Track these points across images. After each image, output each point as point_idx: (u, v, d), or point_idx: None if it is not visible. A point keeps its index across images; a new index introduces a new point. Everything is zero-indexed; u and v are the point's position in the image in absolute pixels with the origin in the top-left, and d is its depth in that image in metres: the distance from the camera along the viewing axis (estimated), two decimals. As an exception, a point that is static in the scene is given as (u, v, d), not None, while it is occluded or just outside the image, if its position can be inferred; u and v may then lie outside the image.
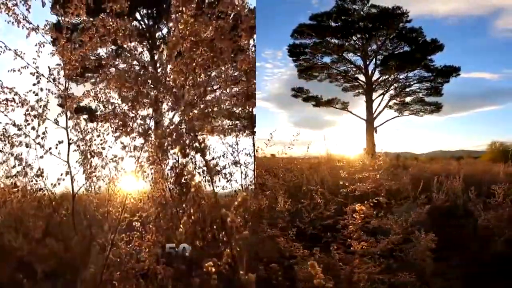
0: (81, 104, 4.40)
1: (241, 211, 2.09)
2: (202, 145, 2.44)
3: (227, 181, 4.71)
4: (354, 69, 22.60)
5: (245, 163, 4.70)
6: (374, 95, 22.45)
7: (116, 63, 4.70)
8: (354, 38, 21.39)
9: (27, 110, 3.72)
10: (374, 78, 22.33)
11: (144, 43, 10.44)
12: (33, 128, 3.75)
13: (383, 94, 22.44)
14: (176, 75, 3.03)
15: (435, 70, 21.01)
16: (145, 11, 10.48)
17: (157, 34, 10.72)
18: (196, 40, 3.31)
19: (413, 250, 3.78)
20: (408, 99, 22.17)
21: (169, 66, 3.22)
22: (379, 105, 22.49)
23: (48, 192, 3.65)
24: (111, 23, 3.97)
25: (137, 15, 10.42)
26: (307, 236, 4.18)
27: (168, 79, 3.29)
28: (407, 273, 3.33)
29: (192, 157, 3.56)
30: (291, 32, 22.34)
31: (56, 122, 4.09)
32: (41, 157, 3.67)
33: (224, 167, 4.78)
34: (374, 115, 22.27)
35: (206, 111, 3.58)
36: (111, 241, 2.78)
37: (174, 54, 3.16)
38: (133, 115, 3.46)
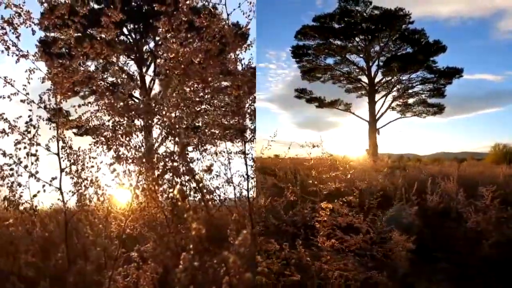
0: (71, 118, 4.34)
1: (242, 251, 2.08)
2: (200, 184, 2.44)
3: (221, 203, 4.69)
4: (357, 70, 22.60)
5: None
6: (377, 96, 22.47)
7: (105, 76, 4.67)
8: (357, 39, 21.40)
9: (18, 140, 3.65)
10: (377, 79, 22.35)
11: (132, 57, 10.38)
12: (24, 157, 3.68)
13: (386, 95, 22.40)
14: (171, 108, 3.04)
15: (438, 71, 21.04)
16: (132, 26, 10.44)
17: (144, 48, 10.70)
18: (186, 67, 3.31)
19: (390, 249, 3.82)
20: (410, 100, 22.19)
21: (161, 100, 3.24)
22: (381, 106, 22.48)
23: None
24: (100, 50, 3.96)
25: (124, 30, 10.38)
26: (281, 232, 4.23)
27: (162, 111, 3.28)
28: (380, 272, 3.35)
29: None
30: (294, 33, 22.36)
31: (48, 148, 4.02)
32: (35, 195, 3.57)
33: (218, 187, 4.75)
34: (377, 117, 22.27)
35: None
36: (109, 278, 2.73)
37: (168, 91, 3.17)
38: (126, 143, 3.43)
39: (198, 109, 3.73)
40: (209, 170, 2.50)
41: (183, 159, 2.79)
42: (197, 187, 2.53)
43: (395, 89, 22.53)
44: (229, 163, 4.76)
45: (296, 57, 22.97)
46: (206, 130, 3.64)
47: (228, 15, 4.10)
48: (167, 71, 3.22)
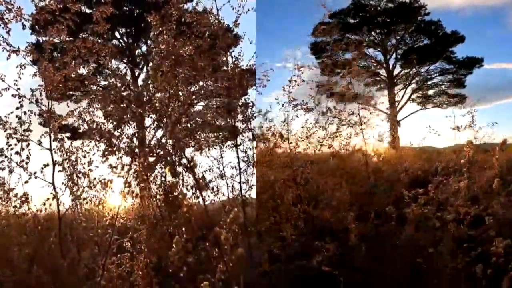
0: (64, 123, 4.35)
1: (234, 228, 2.09)
2: (192, 163, 2.45)
3: (215, 195, 4.70)
4: (375, 64, 22.77)
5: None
6: (396, 89, 22.58)
7: (98, 80, 4.69)
8: (373, 33, 21.57)
9: (9, 135, 3.64)
10: (395, 72, 22.52)
11: (125, 61, 10.39)
12: (16, 153, 3.67)
13: (405, 87, 22.52)
14: (160, 93, 3.05)
15: (457, 62, 21.11)
16: (124, 30, 10.50)
17: (136, 52, 10.74)
18: (177, 58, 3.34)
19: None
20: (430, 92, 22.32)
21: (151, 85, 3.25)
22: (401, 98, 22.61)
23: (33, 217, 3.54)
24: (92, 45, 3.98)
25: (116, 34, 10.44)
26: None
27: (153, 98, 3.30)
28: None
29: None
30: (311, 30, 22.48)
31: (40, 143, 4.01)
32: (26, 182, 3.58)
33: (211, 181, 4.77)
34: (397, 109, 22.35)
35: (190, 126, 3.60)
36: (103, 266, 2.72)
37: (158, 74, 3.19)
38: (119, 134, 3.43)
39: (191, 89, 3.76)
40: (200, 149, 2.51)
41: (174, 140, 2.80)
42: (189, 166, 2.54)
43: (414, 81, 22.51)
44: (222, 157, 4.76)
45: (315, 53, 23.16)
46: (198, 121, 3.67)
47: (218, 10, 4.15)
48: (159, 62, 3.25)
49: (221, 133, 4.78)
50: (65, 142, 4.02)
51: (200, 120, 4.36)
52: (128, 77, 10.23)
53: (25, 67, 3.99)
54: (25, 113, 3.71)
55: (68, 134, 5.11)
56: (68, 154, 3.95)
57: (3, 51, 3.91)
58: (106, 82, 4.50)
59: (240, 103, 4.19)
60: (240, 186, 4.71)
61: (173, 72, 3.18)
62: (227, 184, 4.76)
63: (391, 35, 21.55)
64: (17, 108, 3.68)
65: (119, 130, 3.33)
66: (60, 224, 3.43)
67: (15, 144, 3.83)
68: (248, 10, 4.32)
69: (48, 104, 3.85)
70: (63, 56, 4.04)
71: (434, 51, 20.91)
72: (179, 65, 3.27)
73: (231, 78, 3.70)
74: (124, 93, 3.37)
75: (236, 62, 4.05)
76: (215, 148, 4.57)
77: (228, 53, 4.10)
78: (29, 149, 3.66)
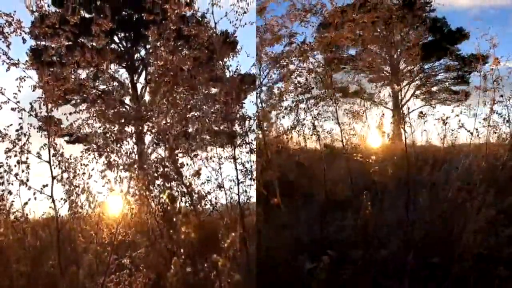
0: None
1: (231, 253, 2.11)
2: (189, 189, 2.48)
3: (213, 208, 4.71)
4: (379, 60, 22.75)
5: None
6: (400, 85, 22.65)
7: (97, 84, 4.71)
8: (378, 29, 21.58)
9: (8, 149, 3.65)
10: (400, 68, 22.60)
11: (123, 65, 10.38)
12: (15, 166, 3.68)
13: (409, 84, 22.54)
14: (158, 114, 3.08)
15: (462, 58, 21.09)
16: (122, 34, 10.51)
17: (135, 56, 10.76)
18: (175, 75, 3.36)
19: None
20: (434, 88, 22.32)
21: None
22: (405, 95, 22.65)
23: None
24: (91, 58, 3.99)
25: (115, 38, 10.45)
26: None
27: (152, 118, 3.32)
28: None
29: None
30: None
31: (39, 156, 4.02)
32: (25, 203, 3.57)
33: (209, 193, 4.78)
34: (401, 105, 22.34)
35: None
36: (101, 285, 2.74)
37: (157, 97, 3.22)
38: (118, 149, 3.45)
39: (188, 115, 3.79)
40: (197, 174, 2.53)
41: (173, 164, 2.83)
42: (187, 191, 2.57)
43: (418, 77, 22.54)
44: (220, 168, 4.78)
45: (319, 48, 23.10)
46: (197, 137, 3.69)
47: (215, 23, 4.17)
48: (157, 79, 3.27)
49: (218, 137, 4.78)
50: (63, 149, 4.03)
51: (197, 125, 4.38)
52: (127, 81, 10.23)
53: (24, 80, 3.99)
54: (21, 127, 3.70)
55: (66, 138, 5.10)
56: (67, 166, 3.96)
57: (2, 64, 3.91)
58: (105, 87, 4.51)
59: (238, 116, 4.21)
60: (238, 197, 4.73)
61: (172, 93, 3.21)
62: (226, 194, 4.77)
63: (395, 31, 21.69)
64: (20, 125, 3.66)
65: (118, 146, 3.36)
66: (58, 240, 3.43)
67: (15, 155, 3.83)
68: (246, 24, 4.36)
69: (48, 113, 3.83)
70: (62, 68, 4.05)
71: (438, 47, 20.96)
72: (177, 84, 3.30)
73: (229, 93, 3.73)
74: (122, 110, 3.39)
75: (234, 75, 4.07)
76: (213, 160, 4.58)
77: (226, 67, 4.12)
78: (28, 164, 3.66)
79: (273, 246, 4.01)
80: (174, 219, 2.58)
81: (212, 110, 4.46)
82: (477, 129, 5.08)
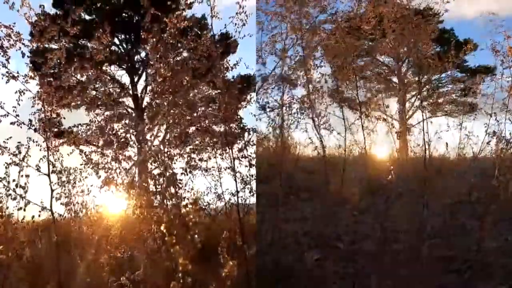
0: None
1: (228, 284, 2.11)
2: (190, 223, 2.46)
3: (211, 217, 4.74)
4: (387, 71, 22.75)
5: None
6: (407, 96, 22.64)
7: (97, 86, 4.71)
8: (386, 39, 21.50)
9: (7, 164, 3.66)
10: (407, 79, 22.55)
11: (123, 66, 10.39)
12: (13, 180, 3.69)
13: (416, 95, 22.55)
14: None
15: (469, 70, 21.13)
16: (123, 36, 10.51)
17: (135, 57, 10.78)
18: (174, 91, 3.36)
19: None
20: (441, 100, 22.32)
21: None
22: (412, 106, 22.63)
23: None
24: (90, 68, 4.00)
25: (116, 40, 10.46)
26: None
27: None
28: None
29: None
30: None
31: (38, 169, 4.04)
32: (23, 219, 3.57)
33: (209, 204, 4.81)
34: (407, 116, 22.34)
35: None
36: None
37: (158, 117, 3.22)
38: (117, 167, 3.47)
39: (187, 131, 3.79)
40: (195, 203, 2.53)
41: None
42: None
43: (425, 89, 22.52)
44: (220, 178, 4.79)
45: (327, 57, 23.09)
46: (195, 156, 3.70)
47: (214, 35, 4.16)
48: (156, 97, 3.28)
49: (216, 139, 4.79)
50: (62, 157, 4.04)
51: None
52: (128, 83, 10.24)
53: (23, 93, 4.00)
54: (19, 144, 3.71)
55: (62, 140, 5.11)
56: (66, 177, 3.98)
57: (2, 78, 3.92)
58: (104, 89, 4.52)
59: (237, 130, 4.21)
60: (238, 207, 4.75)
61: (172, 113, 3.23)
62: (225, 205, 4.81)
63: (403, 42, 21.62)
64: (19, 143, 3.67)
65: (117, 163, 3.37)
66: (58, 259, 3.42)
67: (13, 164, 3.84)
68: (244, 35, 4.35)
69: (48, 135, 3.84)
70: (61, 79, 4.06)
71: (446, 59, 20.90)
72: (176, 105, 3.30)
73: (226, 108, 3.72)
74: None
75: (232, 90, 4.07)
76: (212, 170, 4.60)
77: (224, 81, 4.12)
78: (27, 182, 3.68)
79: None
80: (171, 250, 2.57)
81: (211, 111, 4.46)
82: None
